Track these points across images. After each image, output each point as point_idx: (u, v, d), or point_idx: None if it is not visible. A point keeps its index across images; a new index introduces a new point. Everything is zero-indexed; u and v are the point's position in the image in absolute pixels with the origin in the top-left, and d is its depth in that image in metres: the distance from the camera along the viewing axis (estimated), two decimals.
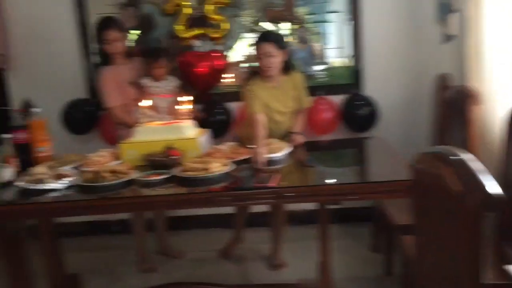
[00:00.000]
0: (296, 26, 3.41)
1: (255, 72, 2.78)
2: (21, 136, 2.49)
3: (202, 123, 2.76)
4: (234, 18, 3.40)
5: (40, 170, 2.17)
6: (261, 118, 2.59)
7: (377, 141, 2.92)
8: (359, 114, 3.33)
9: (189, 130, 2.47)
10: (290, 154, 2.47)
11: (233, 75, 3.47)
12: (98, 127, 3.44)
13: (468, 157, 1.10)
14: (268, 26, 3.41)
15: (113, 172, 2.10)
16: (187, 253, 3.35)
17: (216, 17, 3.35)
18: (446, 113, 2.69)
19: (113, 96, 2.97)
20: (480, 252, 1.05)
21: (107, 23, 2.97)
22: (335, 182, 2.13)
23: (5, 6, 3.45)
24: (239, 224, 3.23)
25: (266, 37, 2.71)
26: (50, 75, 3.52)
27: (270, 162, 2.30)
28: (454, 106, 2.54)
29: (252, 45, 2.96)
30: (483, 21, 2.45)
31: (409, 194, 1.49)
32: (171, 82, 3.05)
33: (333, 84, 3.45)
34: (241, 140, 2.75)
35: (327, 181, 2.21)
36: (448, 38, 2.94)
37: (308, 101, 2.87)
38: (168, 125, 2.50)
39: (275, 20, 3.41)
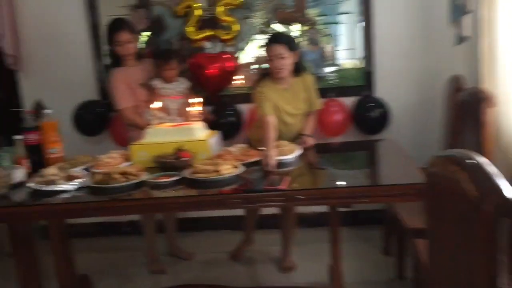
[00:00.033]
0: (307, 28, 3.40)
1: (265, 74, 2.77)
2: (33, 137, 2.51)
3: (212, 125, 2.76)
4: (244, 20, 3.39)
5: (51, 171, 2.17)
6: (271, 120, 2.58)
7: (389, 143, 2.89)
8: (370, 116, 3.30)
9: (200, 132, 2.47)
10: (301, 156, 2.46)
11: (243, 77, 3.46)
12: (109, 128, 3.45)
13: (483, 161, 1.08)
14: (279, 27, 3.40)
15: (124, 173, 2.10)
16: (197, 255, 3.34)
17: (226, 18, 3.35)
18: (459, 116, 2.66)
19: (124, 97, 2.98)
20: (496, 258, 1.03)
21: (118, 24, 2.97)
22: (346, 185, 2.10)
23: (17, 8, 3.47)
24: (249, 226, 3.22)
25: (277, 39, 2.70)
26: (62, 76, 3.54)
27: (281, 164, 2.29)
28: (467, 108, 2.51)
29: (263, 46, 2.94)
30: (497, 23, 2.42)
31: (422, 198, 1.47)
32: (182, 84, 3.05)
33: (344, 86, 3.43)
34: (251, 142, 2.74)
35: (338, 183, 2.19)
36: (461, 39, 2.91)
37: (319, 103, 2.85)
38: (178, 126, 2.50)
39: (286, 22, 3.40)
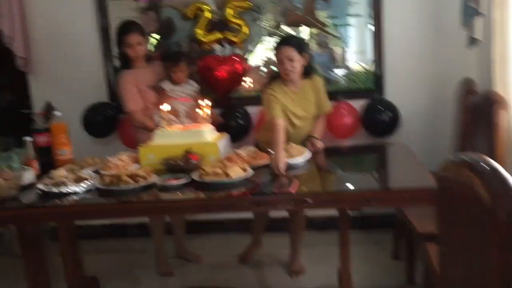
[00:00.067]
0: (316, 30, 3.38)
1: (275, 76, 2.76)
2: (43, 139, 2.52)
3: (221, 127, 2.75)
4: (254, 22, 3.39)
5: (60, 173, 2.18)
6: (280, 123, 2.57)
7: (399, 147, 2.87)
8: (380, 119, 3.28)
9: (208, 134, 2.46)
10: (310, 159, 2.44)
11: (253, 79, 3.45)
12: (118, 130, 3.46)
13: (497, 166, 1.07)
14: (288, 30, 3.39)
15: (133, 176, 2.10)
16: (205, 258, 3.33)
17: (236, 21, 3.35)
18: (470, 119, 2.63)
19: (133, 99, 2.98)
20: (510, 262, 1.02)
21: (129, 26, 2.98)
22: (357, 188, 2.09)
23: (27, 10, 3.49)
24: (258, 229, 3.21)
25: (287, 41, 2.69)
26: (72, 78, 3.55)
27: (290, 167, 2.27)
28: (479, 111, 2.48)
29: (272, 49, 2.94)
30: (509, 26, 2.40)
31: (434, 202, 1.45)
32: (191, 86, 3.05)
33: (353, 89, 3.41)
34: (260, 144, 2.73)
35: (348, 187, 2.17)
36: (473, 42, 2.88)
37: (329, 106, 2.84)
38: (187, 129, 2.50)
39: (296, 24, 3.39)
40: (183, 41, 3.44)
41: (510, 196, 0.98)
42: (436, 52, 3.30)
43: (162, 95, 2.95)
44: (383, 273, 2.95)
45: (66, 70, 3.55)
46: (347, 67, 3.43)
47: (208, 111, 2.59)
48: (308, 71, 2.71)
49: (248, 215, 3.15)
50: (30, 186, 2.22)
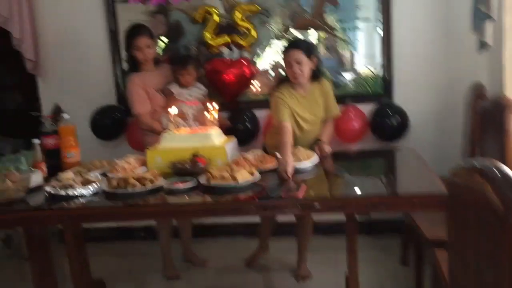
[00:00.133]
0: (325, 34, 3.37)
1: (283, 80, 2.75)
2: (51, 141, 2.53)
3: (228, 130, 2.74)
4: (262, 26, 3.38)
5: (68, 175, 2.18)
6: (288, 126, 2.55)
7: (408, 151, 2.84)
8: (388, 123, 3.26)
9: (216, 138, 2.45)
10: (318, 163, 2.43)
11: (261, 82, 3.45)
12: (126, 133, 3.47)
13: (508, 172, 1.05)
14: (297, 33, 3.38)
15: (140, 179, 2.09)
16: (212, 261, 3.32)
17: (244, 24, 3.35)
18: (480, 124, 2.60)
19: (141, 102, 2.98)
20: None
21: (138, 29, 2.99)
22: (365, 193, 2.07)
23: (36, 13, 3.52)
24: (265, 234, 3.19)
25: (295, 45, 2.68)
26: (80, 81, 3.57)
27: (297, 171, 2.26)
28: (489, 116, 2.46)
29: (281, 52, 2.93)
30: None
31: (443, 208, 1.43)
32: (199, 90, 3.05)
33: (362, 93, 3.40)
34: (267, 148, 2.72)
35: (356, 192, 2.15)
36: (483, 47, 2.86)
37: (337, 110, 2.82)
38: (195, 132, 2.49)
39: (304, 28, 3.38)
40: (191, 44, 3.44)
41: None
42: (445, 57, 3.28)
43: (170, 98, 2.96)
44: (391, 279, 2.93)
45: (74, 73, 3.57)
46: (355, 71, 3.42)
47: (215, 114, 2.59)
48: (316, 75, 2.70)
49: (255, 219, 3.14)
50: (38, 188, 2.22)
